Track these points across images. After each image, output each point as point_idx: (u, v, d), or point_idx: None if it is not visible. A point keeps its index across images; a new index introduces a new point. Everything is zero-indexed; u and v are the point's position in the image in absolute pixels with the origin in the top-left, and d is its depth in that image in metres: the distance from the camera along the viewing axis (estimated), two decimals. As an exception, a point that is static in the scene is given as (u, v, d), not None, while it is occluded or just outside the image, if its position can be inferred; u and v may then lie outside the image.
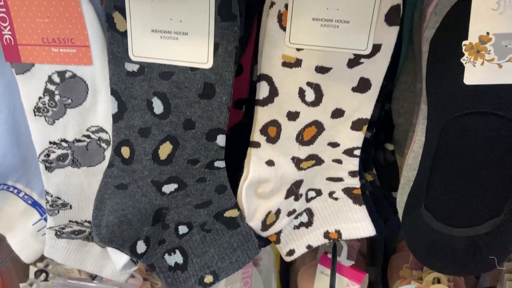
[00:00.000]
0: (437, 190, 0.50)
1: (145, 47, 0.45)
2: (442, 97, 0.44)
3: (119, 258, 0.51)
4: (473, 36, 0.41)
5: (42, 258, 0.82)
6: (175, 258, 0.51)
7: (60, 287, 0.60)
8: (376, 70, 0.46)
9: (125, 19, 0.44)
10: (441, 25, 0.42)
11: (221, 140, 0.48)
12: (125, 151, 0.49)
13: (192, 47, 0.44)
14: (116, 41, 0.45)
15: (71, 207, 0.55)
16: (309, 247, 0.56)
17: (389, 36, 0.43)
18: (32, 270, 0.79)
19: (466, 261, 0.52)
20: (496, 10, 0.38)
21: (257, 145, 0.51)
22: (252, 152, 0.51)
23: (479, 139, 0.45)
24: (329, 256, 0.68)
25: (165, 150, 0.48)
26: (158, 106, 0.46)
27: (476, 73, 0.42)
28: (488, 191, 0.48)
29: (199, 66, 0.44)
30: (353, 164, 0.52)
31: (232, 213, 0.51)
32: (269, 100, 0.48)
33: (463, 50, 0.41)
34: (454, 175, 0.48)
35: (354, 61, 0.45)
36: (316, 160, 0.52)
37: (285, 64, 0.46)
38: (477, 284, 0.84)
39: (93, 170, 0.53)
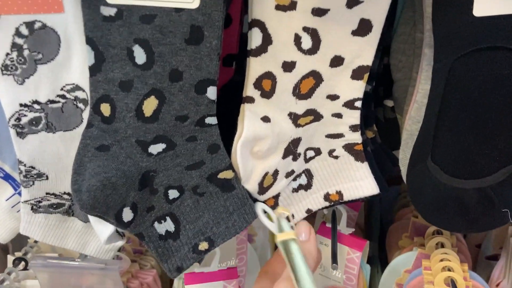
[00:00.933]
0: (444, 140, 0.47)
1: (122, -13, 0.40)
2: (450, 34, 0.41)
3: (103, 229, 0.47)
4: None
5: (20, 246, 0.77)
6: (166, 225, 0.47)
7: (40, 267, 0.55)
8: (377, 9, 0.43)
9: (97, -47, 0.39)
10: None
11: (212, 92, 0.43)
12: (105, 108, 0.44)
13: (175, -16, 0.39)
14: (90, -19, 0.40)
15: (47, 177, 0.50)
16: (308, 211, 0.52)
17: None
18: (10, 259, 0.74)
19: (477, 215, 0.50)
20: None
21: (251, 100, 0.47)
22: (245, 107, 0.47)
23: (492, 78, 0.42)
24: (328, 225, 0.65)
25: (150, 105, 0.43)
26: (140, 55, 0.42)
27: (486, 3, 0.39)
28: (501, 137, 0.45)
29: (184, 6, 0.40)
30: (354, 117, 0.49)
31: (226, 174, 0.47)
32: (262, 49, 0.44)
33: (473, -23, 0.38)
34: (463, 122, 0.45)
35: (354, 1, 0.41)
36: (315, 116, 0.49)
37: (278, 7, 0.42)
38: (479, 252, 0.83)
39: (71, 135, 0.48)
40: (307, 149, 0.51)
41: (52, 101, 0.47)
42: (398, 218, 0.85)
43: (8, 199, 0.54)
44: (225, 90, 0.53)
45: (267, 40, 0.44)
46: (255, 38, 0.44)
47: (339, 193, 0.51)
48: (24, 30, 0.44)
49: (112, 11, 0.41)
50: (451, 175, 0.48)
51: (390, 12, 0.44)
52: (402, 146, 0.52)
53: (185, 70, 0.42)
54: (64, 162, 0.50)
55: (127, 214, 0.46)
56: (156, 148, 0.45)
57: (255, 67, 0.45)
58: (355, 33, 0.44)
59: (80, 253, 0.59)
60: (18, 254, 0.74)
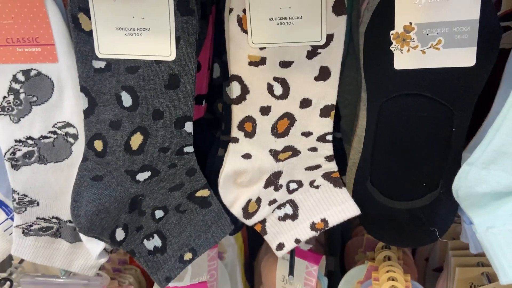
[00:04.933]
0: (380, 167, 0.56)
1: (110, 45, 0.48)
2: (377, 82, 0.51)
3: (95, 247, 0.53)
4: (398, 26, 0.47)
5: (4, 268, 0.81)
6: (154, 242, 0.54)
7: (29, 285, 0.60)
8: (333, 58, 0.51)
9: (90, 19, 0.47)
10: (372, 18, 0.48)
11: (188, 126, 0.52)
12: (98, 144, 0.51)
13: (155, 42, 0.47)
14: (83, 41, 0.48)
15: (38, 203, 0.56)
16: (297, 241, 0.58)
17: (339, 25, 0.48)
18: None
19: (410, 232, 0.58)
20: (417, 2, 0.45)
21: (235, 140, 0.55)
22: (230, 147, 0.55)
23: (411, 118, 0.52)
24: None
25: (136, 140, 0.51)
26: (126, 99, 0.50)
27: (404, 59, 0.49)
28: (424, 166, 0.55)
29: (163, 59, 0.48)
30: (328, 149, 0.56)
31: (203, 192, 0.55)
32: (242, 98, 0.52)
33: (392, 39, 0.48)
34: (393, 152, 0.55)
35: (312, 52, 0.50)
36: (293, 151, 0.56)
37: (251, 64, 0.51)
38: (427, 265, 0.92)
39: (60, 166, 0.55)
40: (290, 181, 0.58)
41: (45, 137, 0.54)
42: (355, 234, 0.94)
43: (1, 223, 0.59)
44: (197, 125, 0.61)
45: (245, 90, 0.52)
46: (235, 89, 0.52)
47: (324, 221, 0.57)
48: (21, 77, 0.51)
49: (102, 64, 0.49)
50: (387, 196, 0.57)
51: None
52: (348, 172, 0.61)
53: (165, 110, 0.50)
54: (53, 190, 0.56)
55: (120, 234, 0.53)
56: (143, 176, 0.53)
57: (238, 113, 0.53)
58: (317, 78, 0.52)
59: (64, 271, 0.64)
60: (3, 274, 0.78)
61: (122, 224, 0.53)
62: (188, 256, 0.54)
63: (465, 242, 0.59)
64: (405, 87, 0.50)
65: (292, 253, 0.66)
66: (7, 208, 0.59)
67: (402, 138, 0.53)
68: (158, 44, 0.47)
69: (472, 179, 0.50)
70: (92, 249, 0.54)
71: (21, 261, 0.84)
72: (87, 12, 0.47)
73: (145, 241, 0.54)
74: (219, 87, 0.59)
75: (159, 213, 0.55)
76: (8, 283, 0.77)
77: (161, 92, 0.49)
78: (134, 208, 0.54)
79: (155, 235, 0.55)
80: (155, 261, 0.54)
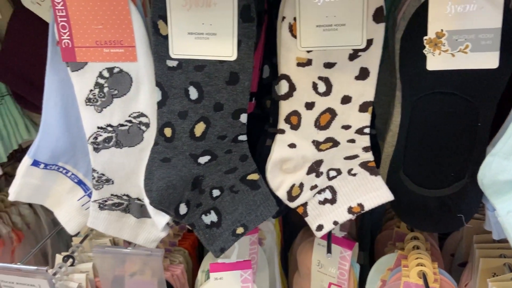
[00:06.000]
0: (412, 158, 0.63)
1: (182, 47, 0.57)
2: (411, 81, 0.58)
3: (161, 219, 0.62)
4: (431, 32, 0.55)
5: (58, 251, 0.91)
6: (211, 217, 0.63)
7: (100, 253, 0.70)
8: (372, 60, 0.58)
9: (167, 25, 0.57)
10: (408, 26, 0.56)
11: (243, 118, 0.60)
12: (168, 131, 0.60)
13: (220, 44, 0.56)
14: (160, 43, 0.57)
15: (113, 182, 0.66)
16: (335, 223, 0.65)
17: (378, 31, 0.56)
18: (59, 257, 0.88)
19: (438, 218, 0.65)
20: (447, 12, 0.53)
21: (282, 131, 0.63)
22: (277, 138, 0.63)
23: (441, 114, 0.59)
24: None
25: (199, 128, 0.60)
26: (193, 93, 0.58)
27: (435, 61, 0.56)
28: (452, 157, 0.61)
29: (226, 59, 0.57)
30: (365, 141, 0.63)
31: (253, 176, 0.63)
32: (289, 94, 0.60)
33: (425, 43, 0.55)
34: (424, 145, 0.62)
35: (354, 55, 0.57)
36: (333, 142, 0.63)
37: (299, 64, 0.59)
38: (452, 260, 0.97)
39: (133, 150, 0.64)
40: (330, 169, 0.65)
41: (122, 125, 0.63)
42: (385, 229, 1.00)
43: (79, 199, 0.69)
44: (247, 118, 0.69)
45: (292, 88, 0.60)
46: (283, 87, 0.60)
47: (360, 205, 0.63)
48: (106, 73, 0.61)
49: (174, 63, 0.58)
50: (418, 185, 0.64)
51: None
52: (382, 164, 0.68)
53: (225, 103, 0.59)
54: (126, 171, 0.66)
55: (183, 209, 0.62)
56: (203, 159, 0.62)
57: (285, 108, 0.61)
58: (357, 77, 0.59)
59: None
60: (65, 253, 0.88)
61: (185, 200, 0.62)
62: (240, 230, 0.62)
63: (488, 229, 0.65)
64: (436, 86, 0.57)
65: (329, 235, 0.73)
66: (85, 186, 0.69)
67: (432, 132, 0.60)
68: (222, 46, 0.56)
69: (495, 168, 0.56)
70: (159, 221, 0.63)
71: (82, 240, 0.95)
72: (165, 19, 0.56)
73: (203, 216, 0.63)
74: (268, 86, 0.67)
75: (216, 192, 0.63)
76: (70, 259, 0.87)
77: (223, 87, 0.58)
78: (195, 187, 0.62)
79: (212, 211, 0.63)
80: (211, 233, 0.62)
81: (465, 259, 0.92)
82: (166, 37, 0.57)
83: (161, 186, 0.60)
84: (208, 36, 0.56)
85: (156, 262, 0.68)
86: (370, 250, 1.04)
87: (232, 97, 0.58)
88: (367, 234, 1.06)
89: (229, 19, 0.55)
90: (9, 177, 1.10)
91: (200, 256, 0.99)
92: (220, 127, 0.60)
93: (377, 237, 0.97)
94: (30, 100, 0.84)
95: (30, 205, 1.17)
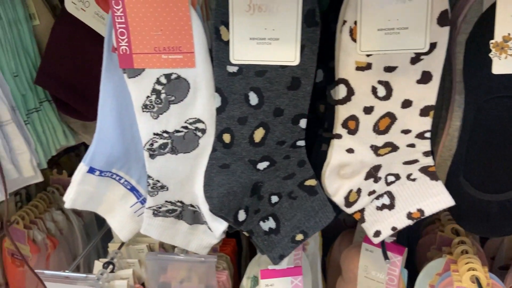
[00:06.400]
0: (473, 162, 0.62)
1: (243, 52, 0.57)
2: (476, 85, 0.57)
3: (219, 226, 0.62)
4: (498, 36, 0.54)
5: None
6: (269, 224, 0.62)
7: (153, 261, 0.69)
8: (435, 64, 0.56)
9: (228, 31, 0.56)
10: (474, 29, 0.55)
11: (303, 123, 0.59)
12: (226, 137, 0.60)
13: (282, 49, 0.56)
14: (221, 49, 0.57)
15: (167, 188, 0.65)
16: (394, 228, 0.63)
17: (442, 35, 0.55)
18: (99, 264, 0.88)
19: (498, 223, 0.64)
20: (517, 16, 0.52)
21: (339, 136, 0.62)
22: (334, 143, 0.62)
23: (505, 117, 0.58)
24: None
25: (258, 134, 0.59)
26: (253, 99, 0.58)
27: (501, 65, 0.55)
28: (515, 162, 0.60)
29: (288, 64, 0.56)
30: (425, 145, 0.61)
31: (311, 182, 0.62)
32: (347, 99, 0.60)
33: (491, 47, 0.54)
34: (487, 149, 0.61)
35: (416, 58, 0.56)
36: (392, 147, 0.62)
37: (358, 68, 0.58)
38: (493, 263, 0.96)
39: (188, 156, 0.64)
40: (388, 174, 0.64)
41: (178, 131, 0.63)
42: (425, 234, 0.99)
43: (132, 206, 0.69)
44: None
45: (350, 92, 0.59)
46: (341, 91, 0.59)
47: (420, 210, 0.62)
48: (163, 80, 0.60)
49: (235, 69, 0.57)
50: (478, 189, 0.63)
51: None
52: (437, 168, 0.67)
53: (285, 108, 0.58)
54: (180, 177, 0.65)
55: (242, 215, 0.61)
56: (262, 165, 0.61)
57: (342, 112, 0.60)
58: (419, 81, 0.57)
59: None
60: (105, 260, 0.88)
61: (244, 207, 0.61)
62: (299, 237, 0.61)
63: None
64: (502, 89, 0.56)
65: (383, 242, 0.72)
66: (137, 193, 0.69)
67: (495, 136, 0.59)
68: (285, 51, 0.56)
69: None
70: (216, 228, 0.62)
71: (120, 247, 0.95)
72: (226, 25, 0.56)
73: (261, 223, 0.62)
74: (321, 90, 0.67)
75: (274, 198, 0.63)
76: (111, 266, 0.87)
77: (283, 92, 0.58)
78: (254, 193, 0.62)
79: (270, 218, 0.62)
80: (270, 240, 0.62)
81: (506, 262, 0.92)
82: (227, 43, 0.57)
83: (221, 193, 0.59)
84: (271, 41, 0.56)
85: (210, 268, 0.67)
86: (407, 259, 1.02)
87: (292, 102, 0.58)
88: (404, 241, 1.05)
89: (293, 24, 0.54)
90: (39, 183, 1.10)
91: (238, 262, 0.98)
92: (280, 133, 0.60)
93: (419, 242, 0.96)
94: (72, 106, 0.84)
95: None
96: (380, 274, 0.80)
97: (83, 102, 0.83)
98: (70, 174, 1.20)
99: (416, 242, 0.98)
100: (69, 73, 0.82)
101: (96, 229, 1.26)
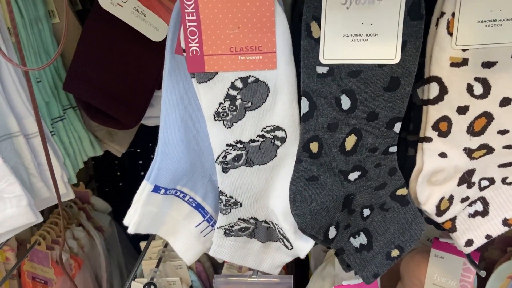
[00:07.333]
0: None
1: (335, 51, 0.50)
2: None
3: (304, 245, 0.55)
4: None
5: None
6: (360, 239, 0.56)
7: (223, 285, 0.63)
8: None
9: (320, 27, 0.50)
10: None
11: (397, 127, 0.54)
12: (314, 146, 0.53)
13: (381, 46, 0.50)
14: (311, 48, 0.50)
15: (241, 205, 0.59)
16: (488, 237, 0.59)
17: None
18: (139, 285, 0.81)
19: None
20: None
21: (429, 139, 0.56)
22: (424, 147, 0.57)
23: None
24: (442, 240, 0.75)
25: (350, 141, 0.53)
26: (345, 102, 0.52)
27: None
28: None
29: (386, 62, 0.50)
30: None
31: (402, 191, 0.57)
32: (439, 98, 0.54)
33: None
34: None
35: None
36: (487, 149, 0.57)
37: (453, 65, 0.53)
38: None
39: (264, 168, 0.57)
40: (481, 179, 0.59)
41: (253, 140, 0.56)
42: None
43: (197, 225, 0.62)
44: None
45: (443, 91, 0.54)
46: (433, 90, 0.54)
47: None
48: (239, 84, 0.54)
49: (324, 70, 0.51)
50: None
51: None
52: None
53: (380, 112, 0.52)
54: (255, 191, 0.59)
55: (332, 232, 0.55)
56: (353, 175, 0.55)
57: (433, 113, 0.55)
58: None
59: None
60: (142, 280, 0.81)
61: (335, 223, 0.55)
62: (395, 252, 0.56)
63: None
64: None
65: (471, 258, 0.68)
66: (203, 211, 0.62)
67: None
68: (384, 48, 0.50)
69: None
70: (302, 248, 0.56)
71: (157, 265, 0.87)
72: (318, 21, 0.49)
73: (351, 239, 0.56)
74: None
75: (366, 212, 0.57)
76: (152, 287, 0.80)
77: (379, 94, 0.52)
78: (345, 207, 0.56)
79: (361, 233, 0.57)
80: (362, 258, 0.56)
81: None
82: (317, 41, 0.50)
83: (314, 209, 0.53)
84: (368, 38, 0.50)
85: (287, 290, 0.61)
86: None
87: (388, 105, 0.52)
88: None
89: (395, 16, 0.49)
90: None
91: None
92: (372, 139, 0.54)
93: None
94: (105, 112, 0.75)
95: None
96: (452, 281, 0.75)
97: (120, 108, 0.75)
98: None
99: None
100: (103, 77, 0.73)
101: (118, 243, 1.17)
